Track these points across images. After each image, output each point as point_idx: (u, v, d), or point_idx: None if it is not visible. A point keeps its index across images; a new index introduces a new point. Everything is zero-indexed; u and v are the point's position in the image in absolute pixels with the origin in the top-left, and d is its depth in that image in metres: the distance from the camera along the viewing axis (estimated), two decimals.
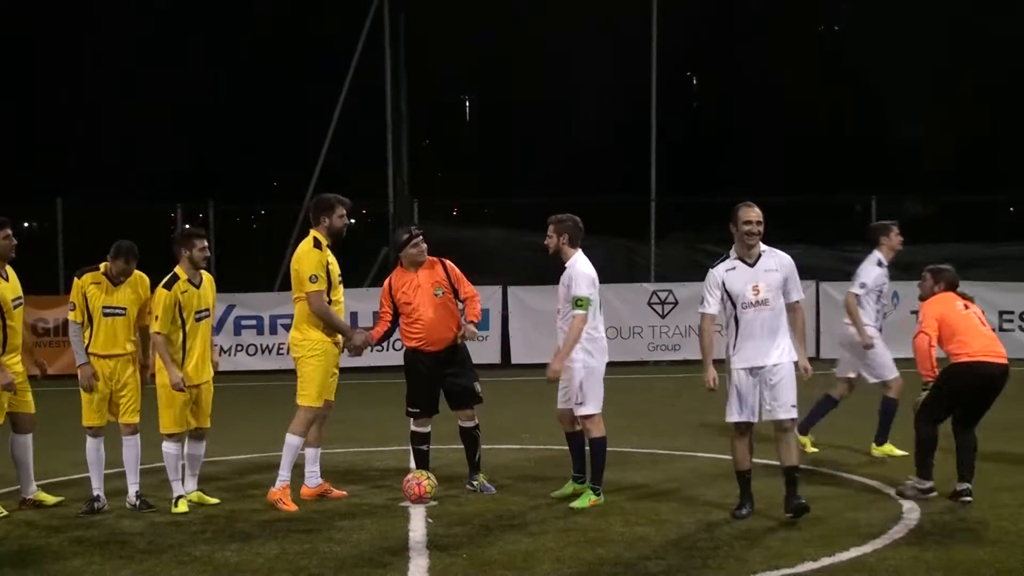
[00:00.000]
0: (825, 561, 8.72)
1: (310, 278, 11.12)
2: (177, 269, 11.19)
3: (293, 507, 10.99)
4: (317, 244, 11.28)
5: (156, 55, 43.93)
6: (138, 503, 11.19)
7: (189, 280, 11.17)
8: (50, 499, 11.44)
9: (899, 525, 9.81)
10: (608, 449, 13.06)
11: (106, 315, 11.20)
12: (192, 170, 42.23)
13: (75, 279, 11.32)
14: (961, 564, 8.58)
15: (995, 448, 13.85)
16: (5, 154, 43.32)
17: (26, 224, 43.30)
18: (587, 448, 11.15)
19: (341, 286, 11.51)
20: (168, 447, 11.14)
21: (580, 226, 11.18)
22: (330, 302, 11.28)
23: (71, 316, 11.25)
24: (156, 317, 10.92)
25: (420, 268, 11.66)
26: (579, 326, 10.82)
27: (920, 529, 9.68)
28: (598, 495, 10.95)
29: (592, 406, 10.97)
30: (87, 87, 43.35)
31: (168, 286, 10.99)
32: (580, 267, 10.99)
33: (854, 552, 8.96)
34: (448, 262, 11.86)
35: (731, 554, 8.98)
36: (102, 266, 11.32)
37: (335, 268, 11.36)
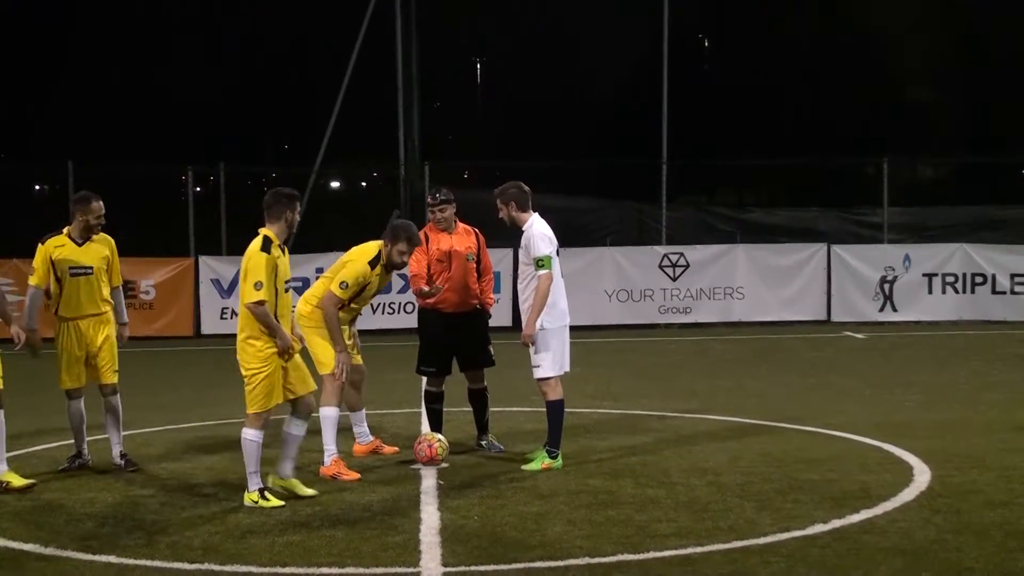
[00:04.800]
0: (835, 523, 8.73)
1: (341, 284, 11.03)
2: (267, 232, 10.08)
3: (354, 475, 10.75)
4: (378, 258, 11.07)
5: (168, 17, 43.86)
6: (123, 463, 11.24)
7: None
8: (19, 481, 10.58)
9: (909, 488, 9.81)
10: (618, 411, 13.09)
11: (73, 275, 11.19)
12: (203, 132, 42.21)
13: (39, 245, 11.21)
14: (971, 526, 8.59)
15: (1006, 410, 13.88)
16: (18, 116, 43.37)
17: (37, 187, 43.41)
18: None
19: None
20: (251, 434, 9.93)
21: (524, 190, 11.17)
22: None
23: (31, 280, 11.14)
24: (259, 284, 9.79)
25: (456, 232, 11.77)
26: (545, 286, 10.81)
27: (930, 491, 9.68)
28: (554, 458, 10.95)
29: (548, 369, 10.96)
30: (99, 50, 43.29)
31: (266, 249, 9.94)
32: (536, 228, 10.99)
33: (864, 514, 8.96)
34: (480, 234, 11.98)
35: (742, 516, 9.00)
36: (65, 229, 11.29)
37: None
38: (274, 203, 10.06)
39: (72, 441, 11.53)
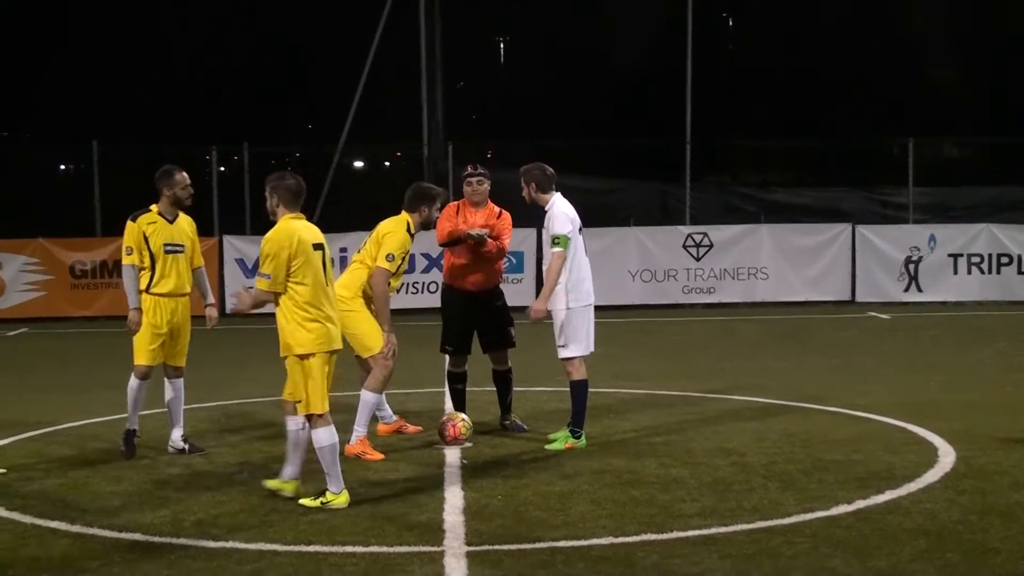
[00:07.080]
0: (860, 503, 8.71)
1: (387, 256, 10.89)
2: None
3: (378, 455, 10.71)
4: (408, 228, 11.05)
5: None
6: (187, 447, 11.11)
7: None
8: None
9: (934, 468, 9.78)
10: (643, 392, 13.07)
11: (168, 252, 11.07)
12: (227, 112, 42.25)
13: (129, 222, 11.08)
14: (996, 507, 8.56)
15: None
16: (42, 96, 43.47)
17: (62, 167, 43.56)
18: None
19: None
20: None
21: (547, 172, 11.20)
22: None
23: (128, 260, 11.02)
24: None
25: (485, 209, 11.75)
26: (558, 264, 10.84)
27: (955, 472, 9.65)
28: (577, 438, 10.98)
29: (572, 349, 10.99)
30: (123, 29, 43.35)
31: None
32: (557, 208, 11.02)
33: (889, 495, 8.94)
34: (507, 215, 11.89)
35: (766, 496, 8.99)
36: (153, 207, 11.17)
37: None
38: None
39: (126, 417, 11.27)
